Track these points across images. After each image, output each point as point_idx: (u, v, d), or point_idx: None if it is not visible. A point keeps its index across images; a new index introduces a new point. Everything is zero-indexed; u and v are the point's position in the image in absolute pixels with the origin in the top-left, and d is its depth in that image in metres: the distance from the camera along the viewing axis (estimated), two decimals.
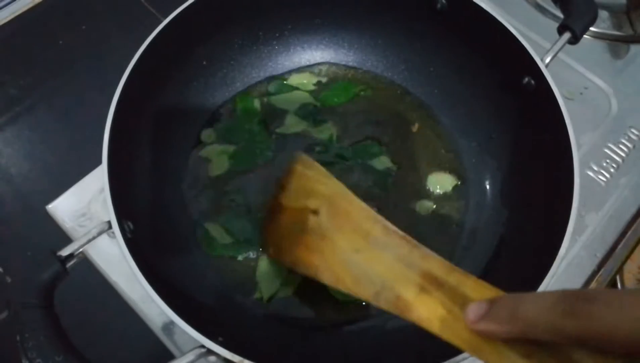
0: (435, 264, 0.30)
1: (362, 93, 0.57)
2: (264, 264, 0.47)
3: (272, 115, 0.55)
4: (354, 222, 0.34)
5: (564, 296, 0.22)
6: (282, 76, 0.57)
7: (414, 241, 0.32)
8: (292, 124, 0.54)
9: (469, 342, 0.26)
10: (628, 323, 0.20)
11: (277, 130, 0.54)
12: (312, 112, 0.55)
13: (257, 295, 0.46)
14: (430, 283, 0.29)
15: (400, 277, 0.30)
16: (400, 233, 0.33)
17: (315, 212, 0.36)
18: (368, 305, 0.47)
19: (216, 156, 0.52)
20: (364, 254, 0.33)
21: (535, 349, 0.24)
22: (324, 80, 0.57)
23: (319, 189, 0.37)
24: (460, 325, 0.27)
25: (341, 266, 0.33)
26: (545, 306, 0.22)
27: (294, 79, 0.57)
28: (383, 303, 0.30)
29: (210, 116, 0.55)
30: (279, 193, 0.41)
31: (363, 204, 0.35)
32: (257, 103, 0.55)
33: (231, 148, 0.53)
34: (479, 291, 0.28)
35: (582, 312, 0.21)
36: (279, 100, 0.56)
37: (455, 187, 0.52)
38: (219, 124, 0.54)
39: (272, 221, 0.41)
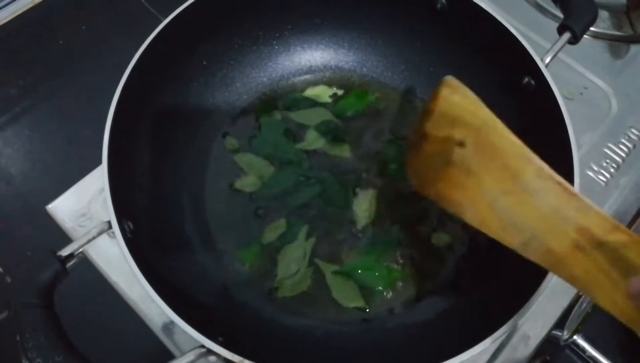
0: (596, 220, 0.27)
1: (375, 103, 0.56)
2: (288, 251, 0.48)
3: (292, 129, 0.55)
4: (504, 159, 0.30)
5: None
6: (298, 89, 0.57)
7: (573, 190, 0.28)
8: (313, 141, 0.54)
9: (626, 312, 0.25)
10: None
11: (298, 146, 0.54)
12: (332, 129, 0.55)
13: (275, 284, 0.47)
14: (588, 240, 0.26)
15: (552, 229, 0.27)
16: (557, 177, 0.29)
17: (460, 144, 0.32)
18: (369, 308, 0.47)
19: (252, 172, 0.52)
20: (512, 197, 0.29)
21: None
22: (339, 92, 0.57)
23: (466, 118, 0.33)
24: (618, 292, 0.25)
25: (487, 208, 0.30)
26: None
27: (309, 92, 0.57)
28: (531, 254, 0.28)
29: (228, 122, 0.55)
30: (424, 119, 0.36)
31: (515, 140, 0.31)
32: (278, 115, 0.56)
33: (268, 169, 0.52)
34: None
35: None
36: (298, 115, 0.56)
37: None
38: (242, 132, 0.54)
39: (415, 150, 0.37)
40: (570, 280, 0.27)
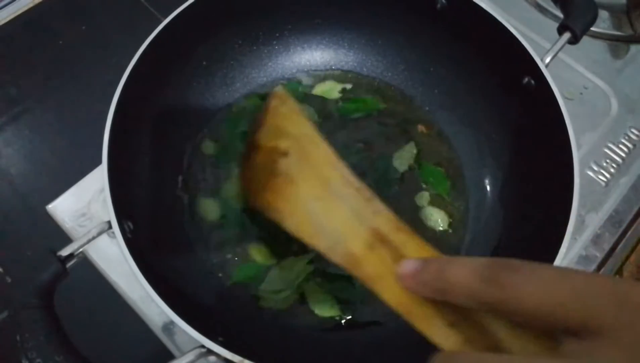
0: (384, 220, 0.29)
1: (379, 108, 0.56)
2: (284, 266, 0.47)
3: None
4: (317, 167, 0.33)
5: (490, 262, 0.22)
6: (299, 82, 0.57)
7: (369, 194, 0.31)
8: None
9: (403, 304, 0.26)
10: (541, 296, 0.20)
11: None
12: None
13: (258, 293, 0.47)
14: (377, 240, 0.29)
15: (351, 231, 0.30)
16: (357, 183, 0.32)
17: (284, 153, 0.34)
18: (369, 310, 0.47)
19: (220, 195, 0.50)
20: (322, 203, 0.31)
21: (460, 319, 0.25)
22: (348, 86, 0.57)
23: (290, 128, 0.35)
24: (397, 286, 0.27)
25: (303, 215, 0.32)
26: (469, 270, 0.23)
27: (318, 89, 0.57)
28: (335, 258, 0.30)
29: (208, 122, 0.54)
30: (255, 130, 0.38)
31: (327, 148, 0.34)
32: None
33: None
34: (419, 253, 0.28)
35: (501, 280, 0.21)
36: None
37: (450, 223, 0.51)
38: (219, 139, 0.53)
39: (246, 162, 0.39)
40: (364, 278, 0.28)
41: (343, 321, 0.46)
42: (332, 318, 0.46)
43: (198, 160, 0.52)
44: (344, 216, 0.30)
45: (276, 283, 0.47)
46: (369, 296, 0.45)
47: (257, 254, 0.48)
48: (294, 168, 0.33)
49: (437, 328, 0.25)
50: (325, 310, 0.46)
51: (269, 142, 0.36)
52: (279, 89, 0.39)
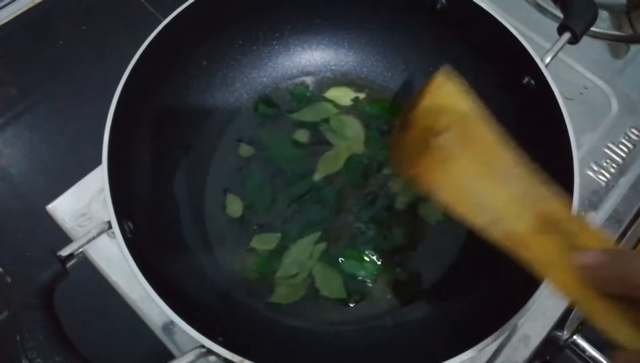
0: (555, 207, 0.29)
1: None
2: (294, 250, 0.48)
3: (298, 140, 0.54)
4: (481, 148, 0.33)
5: None
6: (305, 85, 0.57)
7: (539, 179, 0.31)
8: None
9: (574, 291, 0.26)
10: None
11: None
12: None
13: (272, 299, 0.47)
14: (546, 225, 0.28)
15: (515, 213, 0.30)
16: (528, 167, 0.32)
17: (443, 131, 0.34)
18: (370, 307, 0.47)
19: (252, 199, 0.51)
20: (484, 182, 0.31)
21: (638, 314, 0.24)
22: (361, 96, 0.57)
23: (452, 107, 0.36)
24: (569, 273, 0.26)
25: (459, 190, 0.32)
26: None
27: (330, 93, 0.57)
28: (494, 234, 0.30)
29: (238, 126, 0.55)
30: (412, 106, 0.39)
31: (494, 131, 0.34)
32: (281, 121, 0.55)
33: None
34: (595, 243, 0.27)
35: None
36: (304, 114, 0.55)
37: None
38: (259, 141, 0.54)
39: (400, 136, 0.39)
40: (531, 261, 0.28)
41: (352, 304, 0.47)
42: (339, 300, 0.47)
43: (201, 163, 0.53)
44: (509, 197, 0.30)
45: (291, 267, 0.48)
46: (376, 280, 0.47)
47: (261, 242, 0.49)
48: (453, 143, 0.33)
49: (619, 325, 0.24)
50: (333, 292, 0.47)
51: (426, 119, 0.36)
52: (445, 69, 0.38)
